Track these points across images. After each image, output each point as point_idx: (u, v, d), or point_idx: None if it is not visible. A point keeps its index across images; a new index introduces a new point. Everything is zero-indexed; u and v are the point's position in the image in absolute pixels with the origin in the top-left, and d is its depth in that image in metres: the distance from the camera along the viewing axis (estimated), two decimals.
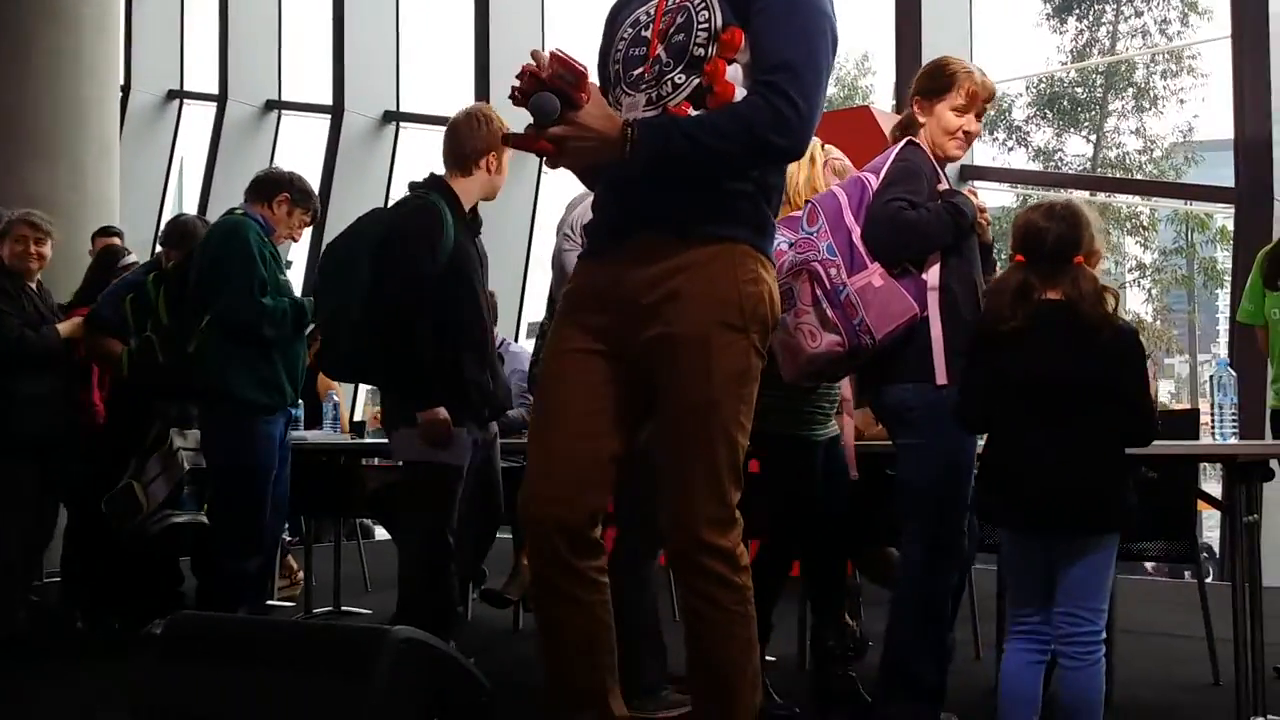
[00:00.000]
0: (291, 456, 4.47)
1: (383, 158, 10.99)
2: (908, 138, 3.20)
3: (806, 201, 3.13)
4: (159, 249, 5.11)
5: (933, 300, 3.04)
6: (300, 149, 11.88)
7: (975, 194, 3.25)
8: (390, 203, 10.91)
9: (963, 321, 3.04)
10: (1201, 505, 3.94)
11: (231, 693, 2.65)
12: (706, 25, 2.25)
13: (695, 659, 2.33)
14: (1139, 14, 20.29)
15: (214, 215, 11.09)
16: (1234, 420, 3.53)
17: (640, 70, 2.31)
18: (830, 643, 3.60)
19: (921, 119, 3.21)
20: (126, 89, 11.22)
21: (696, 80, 2.23)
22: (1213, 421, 3.50)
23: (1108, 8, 20.27)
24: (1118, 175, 19.47)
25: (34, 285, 4.92)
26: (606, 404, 2.32)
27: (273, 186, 4.37)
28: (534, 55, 2.13)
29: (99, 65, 7.74)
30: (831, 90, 22.59)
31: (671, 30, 2.29)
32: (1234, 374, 3.58)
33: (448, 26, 11.80)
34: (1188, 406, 9.19)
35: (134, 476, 4.49)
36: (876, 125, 6.59)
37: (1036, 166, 19.54)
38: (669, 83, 2.26)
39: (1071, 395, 2.65)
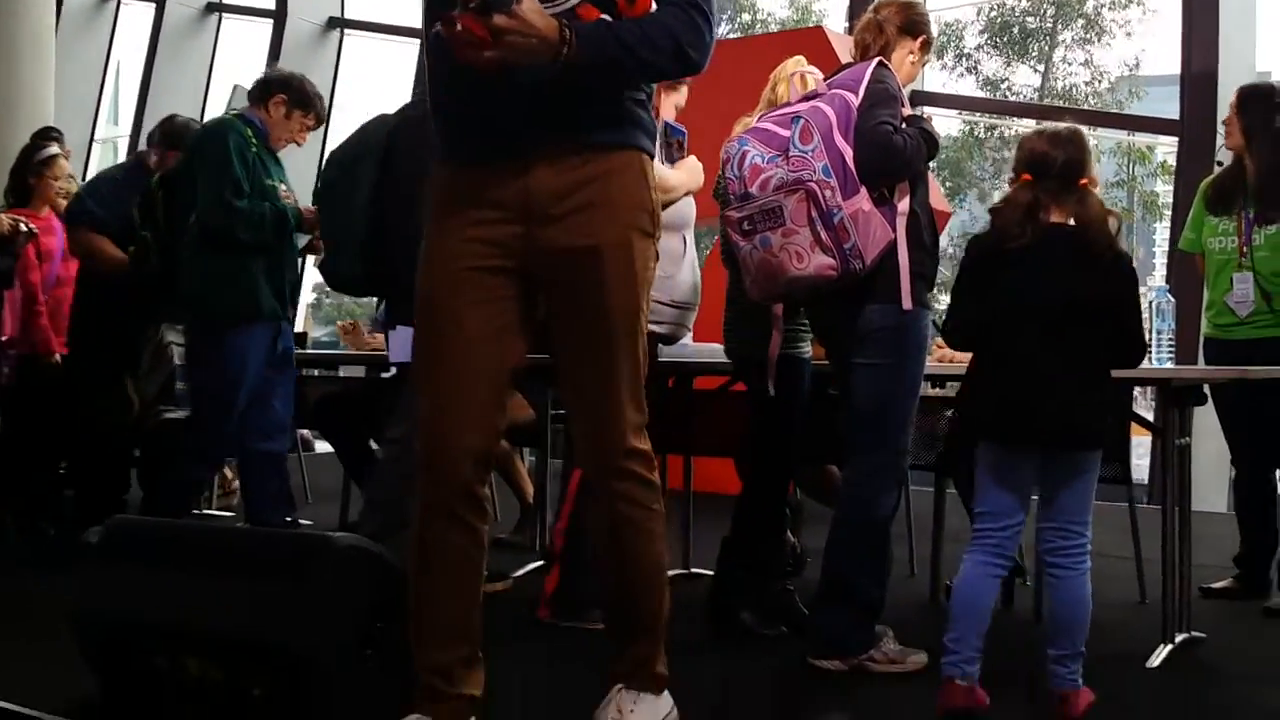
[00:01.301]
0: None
1: (326, 66, 10.74)
2: (878, 58, 3.19)
3: (795, 117, 3.08)
4: (144, 148, 4.93)
5: (901, 226, 3.08)
6: (241, 54, 11.59)
7: (930, 120, 3.28)
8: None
9: (925, 247, 3.13)
10: (1135, 430, 4.03)
11: (171, 596, 2.64)
12: None
13: (619, 560, 2.38)
14: None
15: (150, 119, 10.78)
16: (1170, 346, 3.60)
17: None
18: (769, 557, 3.64)
19: (913, 59, 3.28)
20: None
21: None
22: (1151, 346, 3.55)
23: None
24: (1063, 105, 19.53)
25: None
26: (505, 320, 2.29)
27: (270, 87, 4.24)
28: None
29: None
30: (785, 12, 22.28)
31: None
32: (1173, 301, 3.64)
33: None
34: None
35: (129, 373, 4.43)
36: (829, 46, 6.54)
37: (985, 94, 19.56)
38: None
39: (1071, 316, 2.70)
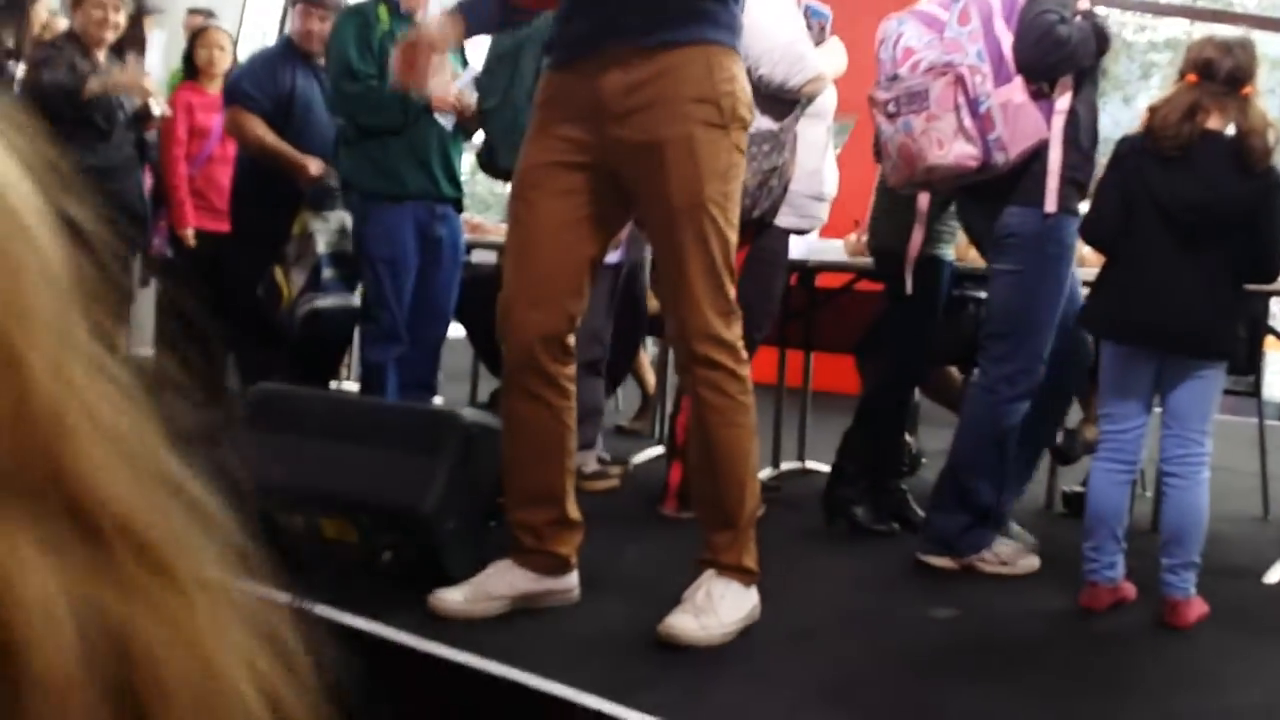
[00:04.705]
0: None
1: None
2: None
3: None
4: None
5: (1057, 124, 2.96)
6: None
7: (1106, 16, 3.13)
8: None
9: (1082, 150, 2.99)
10: (1270, 344, 3.93)
11: (310, 462, 2.79)
12: None
13: (702, 448, 2.47)
14: None
15: None
16: None
17: None
18: (887, 455, 3.67)
19: None
20: None
21: None
22: None
23: None
24: (1219, 9, 18.59)
25: (104, 55, 4.63)
26: (582, 213, 2.42)
27: None
28: None
29: None
30: None
31: None
32: None
33: None
34: None
35: (279, 261, 4.51)
36: None
37: None
38: None
39: (1212, 223, 2.69)
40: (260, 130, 4.57)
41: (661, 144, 2.32)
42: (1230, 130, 2.71)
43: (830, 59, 3.44)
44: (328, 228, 4.41)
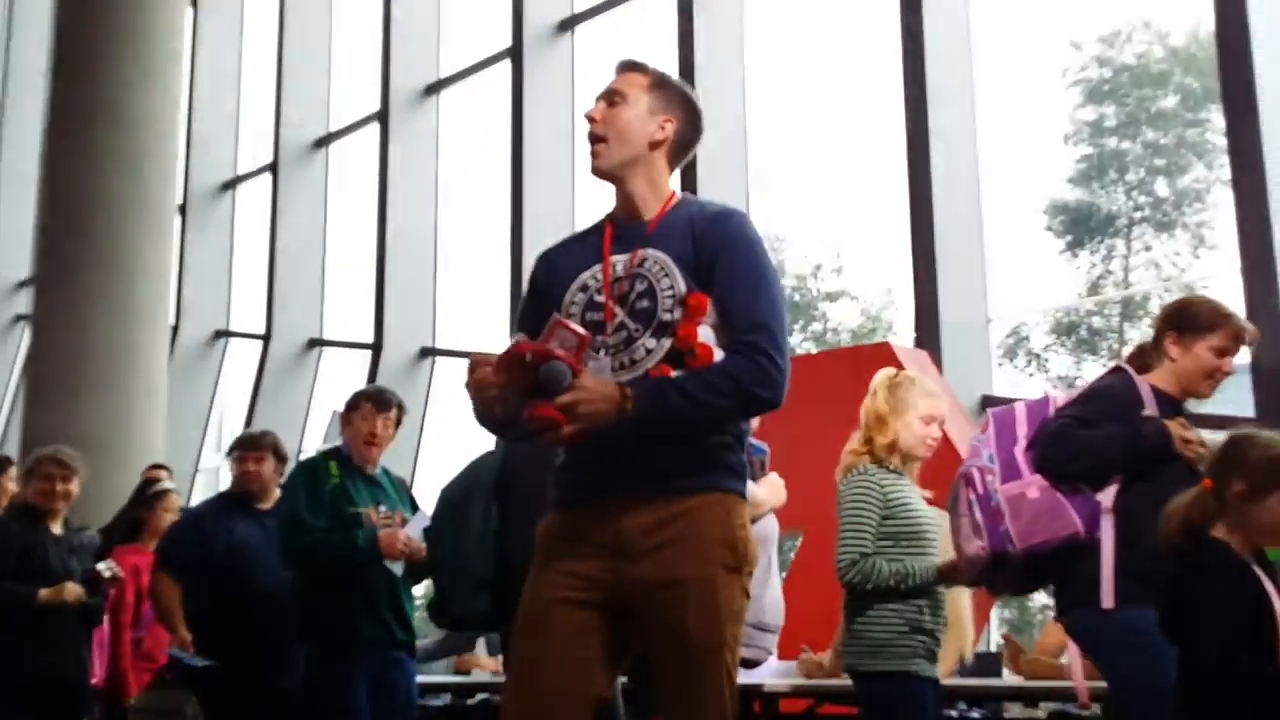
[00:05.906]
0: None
1: (419, 390, 11.24)
2: (1116, 363, 3.27)
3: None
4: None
5: (1107, 523, 3.02)
6: (340, 383, 12.18)
7: (1186, 425, 3.06)
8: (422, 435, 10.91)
9: (1145, 548, 2.83)
10: None
11: None
12: (671, 291, 2.44)
13: None
14: (1148, 248, 20.79)
15: None
16: None
17: (600, 335, 2.46)
18: None
19: (1172, 354, 3.17)
20: (176, 329, 11.62)
21: (669, 344, 2.42)
22: None
23: (1119, 243, 20.82)
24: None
25: (58, 525, 4.74)
26: (591, 652, 2.41)
27: (347, 405, 4.29)
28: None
29: (150, 309, 8.14)
30: (858, 320, 22.89)
31: (632, 296, 2.46)
32: None
33: (482, 265, 12.27)
34: None
35: None
36: (897, 361, 6.72)
37: (1058, 391, 19.61)
38: (641, 348, 2.43)
39: (1171, 629, 2.60)
40: (165, 599, 4.57)
41: (683, 582, 2.36)
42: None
43: (768, 491, 3.61)
44: (152, 708, 4.34)
